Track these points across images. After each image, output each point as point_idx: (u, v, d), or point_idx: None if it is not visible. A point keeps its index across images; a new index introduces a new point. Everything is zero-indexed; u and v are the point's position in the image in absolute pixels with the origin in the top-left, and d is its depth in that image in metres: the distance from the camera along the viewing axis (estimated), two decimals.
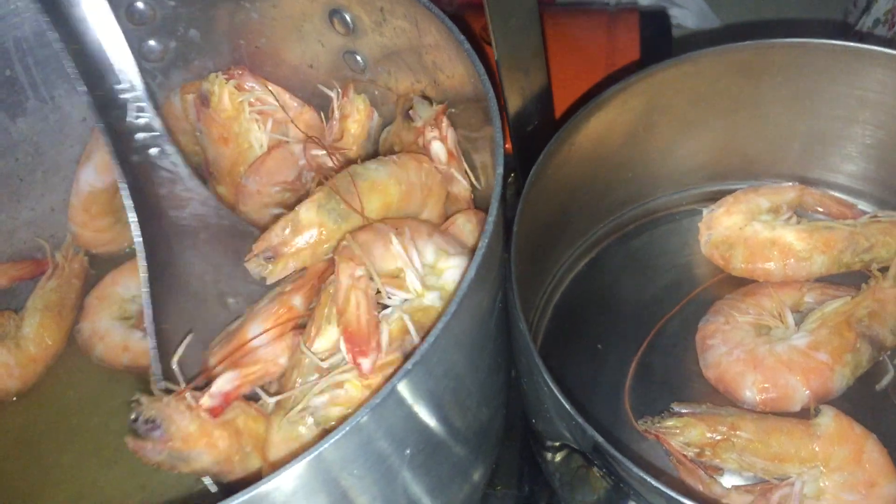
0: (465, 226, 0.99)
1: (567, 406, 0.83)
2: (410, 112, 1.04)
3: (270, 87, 1.16)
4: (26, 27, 1.09)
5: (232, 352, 0.94)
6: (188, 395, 0.86)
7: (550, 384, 0.84)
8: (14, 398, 1.15)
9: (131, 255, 1.24)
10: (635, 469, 0.78)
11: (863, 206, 1.23)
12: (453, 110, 1.03)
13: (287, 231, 0.94)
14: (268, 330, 0.94)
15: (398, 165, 0.99)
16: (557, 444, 0.99)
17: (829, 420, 0.98)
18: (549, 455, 1.04)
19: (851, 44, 1.07)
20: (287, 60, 1.18)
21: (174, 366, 0.90)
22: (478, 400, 0.91)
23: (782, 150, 1.22)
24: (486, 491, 1.11)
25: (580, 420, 0.82)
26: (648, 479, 0.77)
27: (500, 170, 0.82)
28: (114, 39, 0.99)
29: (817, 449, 0.97)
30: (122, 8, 1.10)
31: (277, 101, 1.15)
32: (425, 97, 1.06)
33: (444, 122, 1.03)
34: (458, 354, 0.80)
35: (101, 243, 1.26)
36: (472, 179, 1.04)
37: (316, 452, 0.66)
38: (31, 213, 1.22)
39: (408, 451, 0.78)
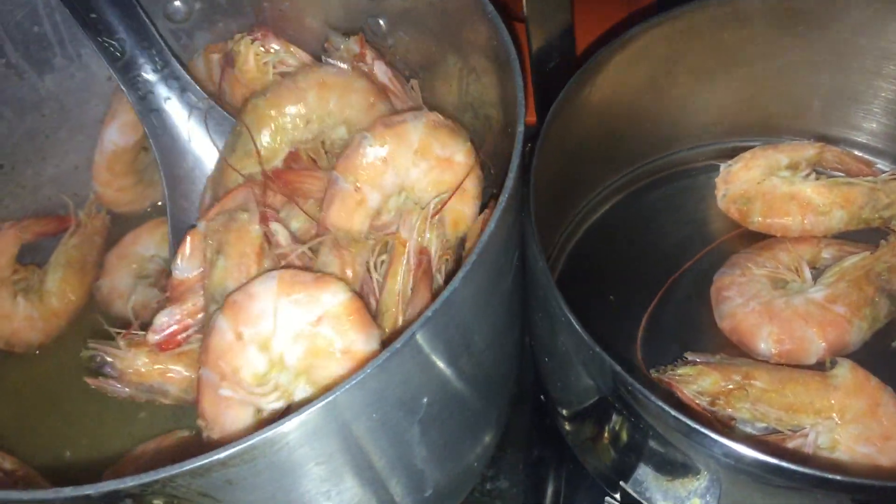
0: None
1: (584, 334, 0.82)
2: (326, 45, 1.11)
3: (293, 49, 1.17)
4: None
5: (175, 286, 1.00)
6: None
7: (567, 313, 0.84)
8: (37, 351, 1.18)
9: (152, 214, 1.28)
10: (653, 398, 0.77)
11: (884, 165, 1.23)
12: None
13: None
14: None
15: None
16: (572, 411, 1.00)
17: (845, 372, 0.98)
18: (565, 422, 1.06)
19: None
20: (310, 24, 1.19)
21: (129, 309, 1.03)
22: (493, 356, 0.92)
23: (803, 106, 1.22)
24: (497, 454, 1.13)
25: (597, 349, 0.81)
26: (667, 407, 0.76)
27: (521, 127, 0.83)
28: None
29: (833, 401, 0.96)
30: None
31: (300, 63, 1.17)
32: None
33: (369, 53, 1.07)
34: (475, 308, 0.81)
35: (124, 202, 1.27)
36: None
37: (333, 396, 0.68)
38: (55, 169, 1.23)
39: (425, 400, 0.80)
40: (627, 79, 1.12)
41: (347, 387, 0.68)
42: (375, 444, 0.80)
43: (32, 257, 1.24)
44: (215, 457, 0.65)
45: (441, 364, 0.80)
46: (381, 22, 1.13)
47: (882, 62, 1.13)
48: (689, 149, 1.28)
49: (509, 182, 0.78)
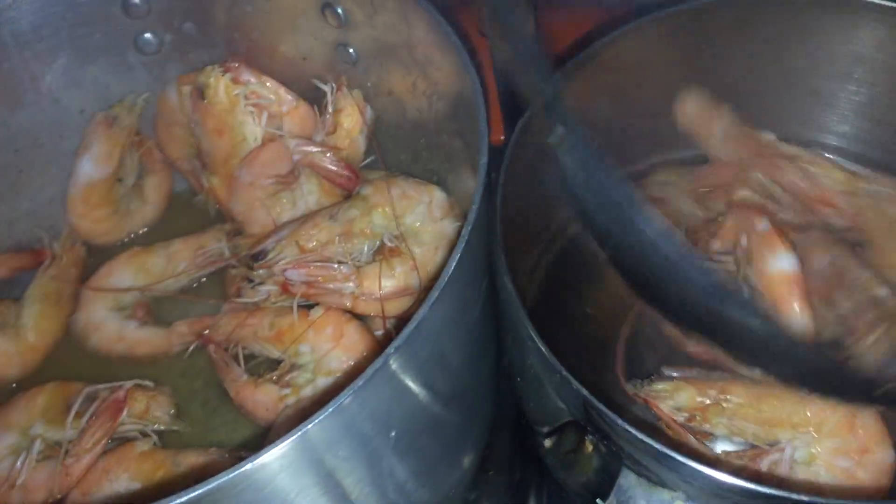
0: None
1: (552, 359, 0.82)
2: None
3: (266, 81, 1.18)
4: (25, 21, 1.11)
5: None
6: None
7: (535, 337, 0.83)
8: (14, 385, 1.17)
9: (130, 244, 1.27)
10: (620, 422, 0.77)
11: (857, 168, 1.20)
12: None
13: None
14: None
15: None
16: (547, 428, 0.99)
17: None
18: (542, 440, 1.04)
19: None
20: (281, 53, 1.20)
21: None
22: (465, 385, 0.93)
23: (775, 111, 1.22)
24: (478, 476, 1.13)
25: (565, 373, 0.81)
26: (635, 431, 0.76)
27: (485, 159, 0.83)
28: None
29: (809, 414, 0.95)
30: (118, 1, 1.13)
31: (273, 95, 1.17)
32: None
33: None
34: (442, 341, 0.82)
35: (101, 233, 1.27)
36: None
37: (300, 432, 0.68)
38: (30, 203, 1.23)
39: (393, 434, 0.80)
40: (594, 91, 1.11)
41: (322, 417, 0.68)
42: (349, 476, 0.80)
43: (9, 292, 1.24)
44: (191, 494, 0.65)
45: (414, 391, 0.81)
46: (351, 50, 1.14)
47: (853, 66, 1.14)
48: (662, 160, 1.26)
49: (472, 215, 0.78)
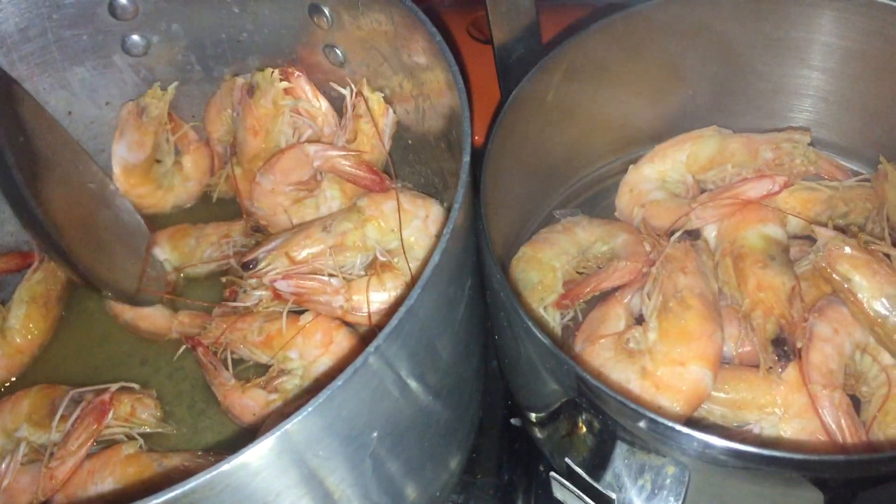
0: None
1: (548, 345, 0.82)
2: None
3: (321, 101, 1.19)
4: (10, 23, 1.10)
5: None
6: None
7: (531, 325, 0.83)
8: (1, 389, 1.17)
9: (175, 215, 1.31)
10: (611, 392, 0.78)
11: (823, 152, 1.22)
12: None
13: None
14: None
15: None
16: (544, 413, 1.00)
17: (789, 368, 0.97)
18: (536, 429, 1.06)
19: None
20: (268, 54, 1.19)
21: None
22: (449, 386, 0.92)
23: (737, 102, 1.23)
24: (466, 478, 1.13)
25: (561, 355, 0.81)
26: (625, 400, 0.78)
27: (467, 157, 0.83)
28: None
29: (777, 397, 0.97)
30: (104, 2, 1.12)
31: (321, 117, 1.19)
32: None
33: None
34: (424, 340, 0.81)
35: (145, 206, 1.29)
36: None
37: (280, 431, 0.67)
38: None
39: (375, 434, 0.79)
40: (570, 88, 1.12)
41: (301, 416, 0.68)
42: (330, 476, 0.79)
43: None
44: (169, 495, 0.65)
45: (395, 391, 0.80)
46: (338, 51, 1.13)
47: (816, 55, 1.15)
48: (638, 152, 1.26)
49: (454, 213, 0.78)
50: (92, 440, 1.04)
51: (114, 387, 1.09)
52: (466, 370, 0.99)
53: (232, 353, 1.11)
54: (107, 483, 1.02)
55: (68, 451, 1.03)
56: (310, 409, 0.68)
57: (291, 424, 0.68)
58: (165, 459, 1.04)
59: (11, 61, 1.13)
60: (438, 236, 0.85)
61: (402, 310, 0.73)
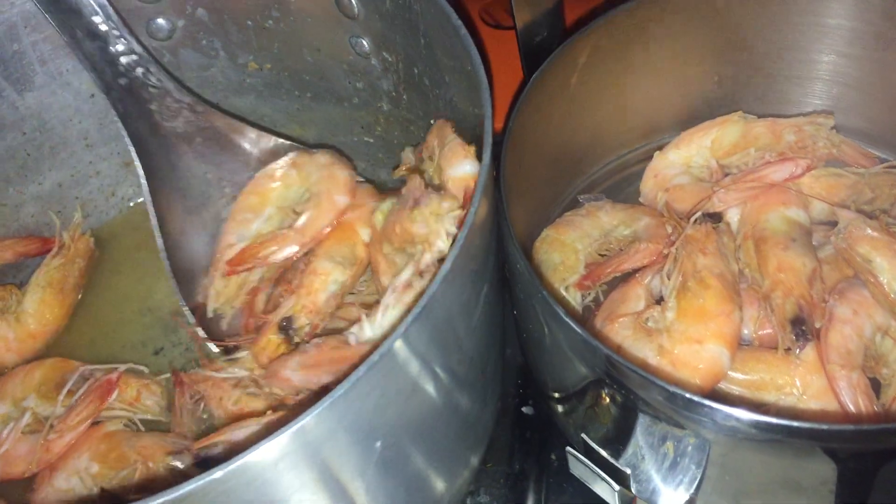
0: None
1: (579, 329, 0.82)
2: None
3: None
4: (33, 3, 1.09)
5: None
6: None
7: (560, 312, 0.83)
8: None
9: None
10: (642, 372, 0.78)
11: None
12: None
13: None
14: None
15: None
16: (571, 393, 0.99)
17: (808, 349, 0.96)
18: (555, 405, 1.05)
19: None
20: (294, 42, 1.18)
21: None
22: (472, 377, 0.92)
23: (746, 87, 1.23)
24: (478, 467, 1.11)
25: (591, 339, 0.81)
26: (661, 382, 0.77)
27: (487, 159, 0.80)
28: None
29: (796, 378, 0.96)
30: None
31: None
32: None
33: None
34: (447, 327, 0.80)
35: None
36: None
37: (298, 425, 0.66)
38: (38, 188, 1.23)
39: (378, 444, 0.77)
40: (594, 72, 1.12)
41: (321, 409, 0.66)
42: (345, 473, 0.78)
43: (14, 275, 1.24)
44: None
45: (424, 377, 0.79)
46: (364, 42, 1.11)
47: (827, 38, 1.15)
48: (664, 138, 1.26)
49: (474, 207, 0.77)
50: (92, 417, 1.04)
51: (122, 367, 1.09)
52: (489, 358, 0.98)
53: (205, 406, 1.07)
54: (83, 458, 1.02)
55: (68, 424, 1.03)
56: (326, 403, 0.66)
57: (311, 416, 0.66)
58: (134, 439, 1.04)
59: (34, 42, 1.12)
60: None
61: (426, 296, 0.71)
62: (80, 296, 1.23)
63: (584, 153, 1.23)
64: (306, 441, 0.69)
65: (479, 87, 0.87)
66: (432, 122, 1.07)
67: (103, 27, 1.04)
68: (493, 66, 1.20)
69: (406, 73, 1.09)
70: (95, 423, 1.06)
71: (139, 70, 1.07)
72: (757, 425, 0.75)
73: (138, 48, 1.07)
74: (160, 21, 1.16)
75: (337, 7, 1.08)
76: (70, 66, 1.16)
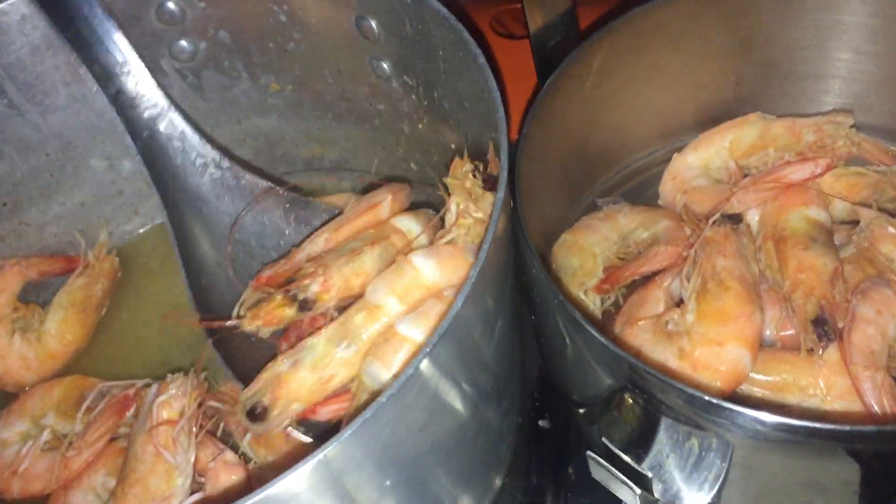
0: None
1: (605, 341, 0.82)
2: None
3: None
4: None
5: None
6: None
7: (584, 323, 0.83)
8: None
9: None
10: (670, 380, 0.78)
11: None
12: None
13: None
14: None
15: None
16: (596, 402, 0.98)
17: (831, 350, 0.95)
18: (576, 409, 1.06)
19: None
20: (315, 64, 1.18)
21: None
22: (498, 389, 0.92)
23: (764, 87, 1.22)
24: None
25: (619, 351, 0.81)
26: (687, 388, 0.77)
27: (502, 193, 0.79)
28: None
29: (819, 379, 0.95)
30: (152, 7, 1.12)
31: None
32: None
33: None
34: (470, 344, 0.81)
35: None
36: None
37: (321, 455, 0.66)
38: (61, 207, 1.24)
39: (388, 482, 0.76)
40: (609, 76, 1.12)
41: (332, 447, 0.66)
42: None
43: (37, 295, 1.24)
44: None
45: (452, 393, 0.79)
46: (385, 65, 1.11)
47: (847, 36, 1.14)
48: (682, 140, 1.25)
49: (495, 214, 0.77)
50: (110, 433, 1.04)
51: (139, 383, 1.08)
52: (511, 372, 0.98)
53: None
54: (99, 475, 1.02)
55: (86, 441, 1.03)
56: (351, 430, 0.66)
57: (334, 446, 0.66)
58: None
59: (57, 63, 1.13)
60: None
61: (449, 315, 0.71)
62: (102, 314, 1.23)
63: (601, 157, 1.23)
64: (329, 470, 0.68)
65: (496, 121, 0.86)
66: (452, 146, 1.06)
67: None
68: (506, 76, 1.21)
69: (426, 96, 1.09)
70: (113, 440, 1.05)
71: (161, 124, 1.11)
72: (780, 427, 0.74)
73: (161, 99, 1.11)
74: (183, 43, 1.17)
75: (357, 30, 1.08)
76: (93, 87, 1.15)
